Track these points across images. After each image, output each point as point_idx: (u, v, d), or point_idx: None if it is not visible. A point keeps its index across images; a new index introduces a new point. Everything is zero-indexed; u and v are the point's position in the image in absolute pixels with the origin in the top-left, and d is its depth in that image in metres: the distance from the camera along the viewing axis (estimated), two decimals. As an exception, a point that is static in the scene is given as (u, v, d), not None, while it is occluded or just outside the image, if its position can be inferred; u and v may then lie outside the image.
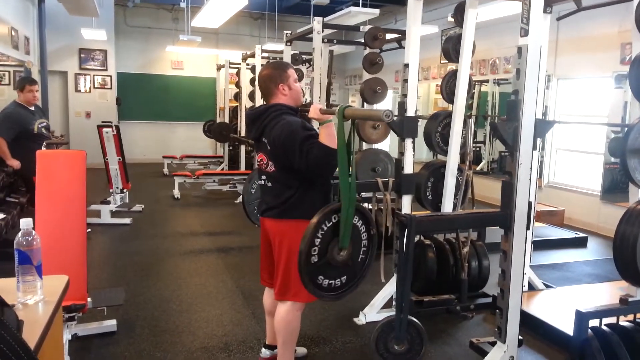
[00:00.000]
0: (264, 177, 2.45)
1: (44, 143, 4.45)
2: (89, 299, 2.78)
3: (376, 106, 5.06)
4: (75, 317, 2.67)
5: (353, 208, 2.17)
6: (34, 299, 1.42)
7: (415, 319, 2.59)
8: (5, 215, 4.14)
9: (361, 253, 2.30)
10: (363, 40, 5.12)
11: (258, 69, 6.70)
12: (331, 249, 2.19)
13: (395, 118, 2.37)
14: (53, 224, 2.56)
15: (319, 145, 2.20)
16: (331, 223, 2.18)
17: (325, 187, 2.43)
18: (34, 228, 1.43)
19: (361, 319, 3.33)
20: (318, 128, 2.29)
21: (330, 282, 2.23)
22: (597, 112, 6.49)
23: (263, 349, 2.75)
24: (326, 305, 3.53)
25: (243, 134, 8.10)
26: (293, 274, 2.34)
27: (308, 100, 6.43)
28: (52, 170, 2.63)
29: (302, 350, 2.84)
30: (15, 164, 4.51)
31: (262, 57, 7.67)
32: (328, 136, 2.21)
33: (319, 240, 2.15)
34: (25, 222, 1.42)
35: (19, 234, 1.40)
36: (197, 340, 3.02)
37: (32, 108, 4.72)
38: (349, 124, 2.29)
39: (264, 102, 2.53)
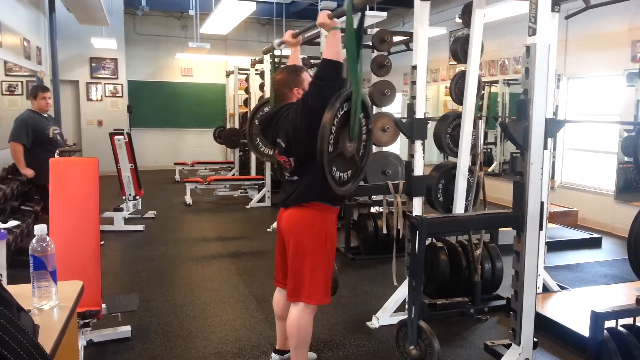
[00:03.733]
0: (287, 174, 2.47)
1: (57, 151, 4.50)
2: (103, 305, 2.80)
3: (385, 109, 5.06)
4: (90, 324, 2.69)
5: (360, 95, 2.17)
6: (49, 304, 1.43)
7: (428, 328, 2.56)
8: (19, 223, 4.19)
9: (361, 148, 2.30)
10: (371, 43, 5.13)
11: (267, 75, 6.72)
12: (342, 139, 2.18)
13: (399, 117, 2.37)
14: (67, 230, 2.59)
15: (319, 68, 2.23)
16: (342, 112, 2.16)
17: None
18: (48, 234, 1.45)
19: (374, 323, 3.32)
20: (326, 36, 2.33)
21: (340, 174, 2.23)
22: (609, 111, 6.43)
23: (273, 354, 2.75)
24: (338, 309, 3.53)
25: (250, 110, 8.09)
26: (306, 275, 2.34)
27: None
28: (65, 177, 2.66)
29: (312, 356, 2.82)
30: (28, 172, 4.56)
31: (270, 63, 7.70)
32: (334, 43, 2.22)
33: (334, 127, 2.13)
34: (39, 228, 1.43)
35: (34, 240, 1.41)
36: (211, 346, 3.03)
37: (46, 115, 4.78)
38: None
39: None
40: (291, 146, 2.35)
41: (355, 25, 2.20)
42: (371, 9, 7.84)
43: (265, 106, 3.94)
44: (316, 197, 2.33)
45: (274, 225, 5.94)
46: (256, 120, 3.92)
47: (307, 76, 2.47)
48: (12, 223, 2.36)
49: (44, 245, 1.42)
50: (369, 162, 2.35)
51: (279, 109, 2.43)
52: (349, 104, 2.16)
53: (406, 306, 3.26)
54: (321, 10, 2.38)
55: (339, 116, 2.13)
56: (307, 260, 2.35)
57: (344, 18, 2.28)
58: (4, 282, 1.80)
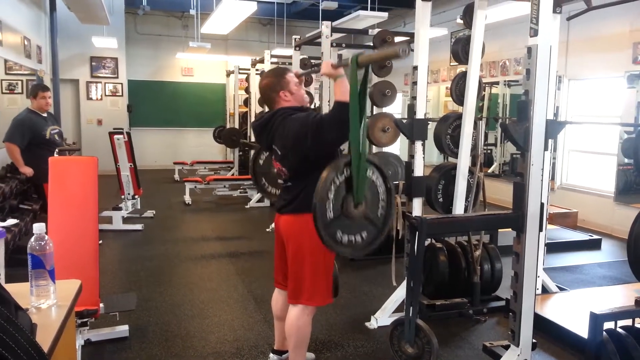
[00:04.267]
0: (281, 181, 2.47)
1: (56, 150, 4.49)
2: (101, 305, 2.80)
3: (385, 109, 5.06)
4: (88, 323, 2.69)
5: (365, 161, 2.13)
6: (47, 303, 1.43)
7: (426, 327, 2.55)
8: (18, 222, 4.18)
9: (380, 208, 2.25)
10: (372, 44, 5.12)
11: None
12: (347, 203, 2.14)
13: (400, 118, 2.34)
14: (65, 229, 2.59)
15: (330, 110, 2.20)
16: (344, 177, 2.13)
17: None
18: (46, 233, 1.44)
19: (373, 324, 3.31)
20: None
21: (350, 237, 2.19)
22: (610, 112, 6.43)
23: (271, 354, 2.74)
24: (337, 310, 3.52)
25: (253, 139, 8.12)
26: (307, 277, 2.34)
27: (317, 105, 6.43)
28: (64, 176, 2.66)
29: (310, 356, 2.81)
30: (28, 171, 4.56)
31: (271, 63, 7.70)
32: (342, 92, 2.17)
33: (332, 194, 2.11)
34: (38, 227, 1.43)
35: (32, 239, 1.41)
36: (209, 345, 3.02)
37: (45, 115, 4.77)
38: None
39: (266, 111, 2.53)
40: (287, 157, 2.34)
41: (359, 82, 2.13)
42: (372, 9, 7.86)
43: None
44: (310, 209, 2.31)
45: (273, 225, 5.94)
46: (260, 160, 3.91)
47: (292, 77, 2.44)
48: (11, 221, 2.36)
49: (43, 243, 1.41)
50: (390, 222, 2.30)
51: (273, 115, 2.40)
52: (350, 168, 2.13)
53: (405, 306, 3.27)
54: (323, 60, 2.34)
55: (339, 182, 2.13)
56: (306, 263, 2.34)
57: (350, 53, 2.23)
58: (2, 281, 1.80)
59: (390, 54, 2.14)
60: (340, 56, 7.22)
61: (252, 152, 8.61)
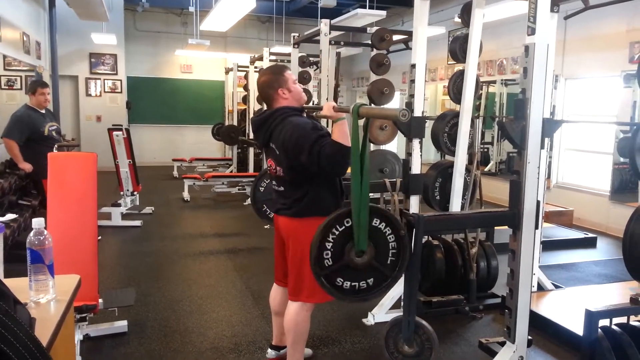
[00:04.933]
0: (274, 182, 2.47)
1: (55, 146, 4.50)
2: (100, 300, 2.81)
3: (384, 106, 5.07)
4: (87, 318, 2.70)
5: (366, 210, 2.15)
6: (46, 297, 1.44)
7: (426, 325, 2.58)
8: (17, 217, 4.19)
9: (390, 255, 2.28)
10: (370, 42, 5.13)
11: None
12: (348, 251, 2.19)
13: (410, 116, 2.34)
14: (64, 225, 2.60)
15: (331, 144, 2.18)
16: (344, 227, 2.17)
17: (335, 185, 2.41)
18: (45, 228, 1.45)
19: (370, 320, 3.33)
20: (331, 129, 2.29)
21: (354, 284, 2.23)
22: (606, 111, 6.45)
23: (269, 350, 2.77)
24: (334, 306, 3.54)
25: (251, 136, 8.14)
26: (306, 275, 2.35)
27: (316, 102, 6.45)
28: (63, 172, 2.67)
29: (307, 352, 2.83)
30: (27, 167, 4.57)
31: (270, 60, 7.70)
32: (341, 134, 2.19)
33: (330, 244, 2.16)
34: (37, 222, 1.44)
35: (31, 233, 1.42)
36: (207, 341, 3.04)
37: (43, 111, 4.77)
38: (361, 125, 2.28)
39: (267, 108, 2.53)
40: (285, 159, 2.34)
41: (361, 134, 2.15)
42: (371, 7, 7.86)
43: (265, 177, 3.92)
44: (313, 213, 2.34)
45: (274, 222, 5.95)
46: (261, 188, 3.90)
47: (291, 74, 2.45)
48: (10, 217, 2.37)
49: (42, 238, 1.42)
50: (403, 268, 2.33)
51: (272, 113, 2.40)
52: (351, 218, 2.16)
53: (402, 303, 3.28)
54: (326, 102, 2.37)
55: (339, 231, 2.16)
56: (306, 261, 2.35)
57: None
58: (1, 276, 1.81)
59: (391, 115, 2.17)
60: (339, 54, 7.23)
61: (247, 110, 8.57)
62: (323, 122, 2.69)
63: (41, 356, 0.99)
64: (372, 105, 5.00)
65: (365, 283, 2.25)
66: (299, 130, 2.26)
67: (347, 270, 2.21)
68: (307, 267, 2.34)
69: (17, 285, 1.46)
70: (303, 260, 2.34)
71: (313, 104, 6.97)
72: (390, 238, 2.27)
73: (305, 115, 2.49)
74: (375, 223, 2.22)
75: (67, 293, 1.51)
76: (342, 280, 2.21)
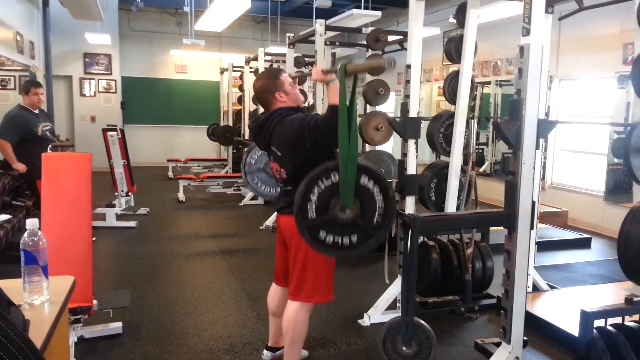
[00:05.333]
0: (280, 183, 2.47)
1: (50, 146, 4.47)
2: (94, 302, 2.80)
3: (378, 108, 5.07)
4: (81, 320, 2.68)
5: (354, 166, 2.15)
6: (40, 299, 1.43)
7: (424, 323, 2.58)
8: (11, 217, 4.16)
9: (376, 215, 2.25)
10: (365, 43, 5.14)
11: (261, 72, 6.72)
12: (333, 206, 2.18)
13: (393, 116, 2.36)
14: (59, 225, 2.58)
15: (327, 110, 2.21)
16: (331, 181, 2.17)
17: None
18: (39, 229, 1.44)
19: (365, 321, 3.33)
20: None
21: (337, 239, 2.22)
22: (600, 113, 6.48)
23: (265, 351, 2.76)
24: (331, 307, 3.53)
25: (247, 137, 8.13)
26: (309, 276, 2.36)
27: (310, 103, 6.44)
28: (57, 172, 2.65)
29: (303, 353, 2.81)
30: (20, 167, 4.54)
31: (265, 60, 7.69)
32: (334, 96, 2.20)
33: (315, 196, 2.15)
34: (31, 223, 1.43)
35: (25, 234, 1.41)
36: (202, 342, 3.03)
37: (37, 111, 4.75)
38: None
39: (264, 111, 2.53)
40: (286, 158, 2.35)
41: (349, 90, 2.18)
42: (366, 8, 7.87)
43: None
44: None
45: (267, 222, 5.96)
46: (252, 160, 3.89)
47: (287, 77, 2.45)
48: (3, 217, 2.35)
49: (36, 239, 1.41)
50: (389, 229, 2.31)
51: (269, 116, 2.40)
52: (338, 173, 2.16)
53: (398, 304, 3.29)
54: (314, 66, 2.39)
55: (325, 186, 2.16)
56: (309, 262, 2.35)
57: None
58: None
59: (376, 65, 2.24)
60: (334, 54, 7.24)
61: (242, 110, 8.61)
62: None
63: (35, 358, 0.99)
64: (367, 105, 5.01)
65: (349, 240, 2.24)
66: (296, 121, 2.30)
67: (331, 224, 2.19)
68: (309, 269, 2.35)
69: (10, 287, 1.45)
70: (306, 261, 2.34)
71: (308, 104, 6.96)
72: (378, 197, 2.25)
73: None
74: (363, 181, 2.20)
75: (61, 294, 1.50)
76: (325, 233, 2.20)
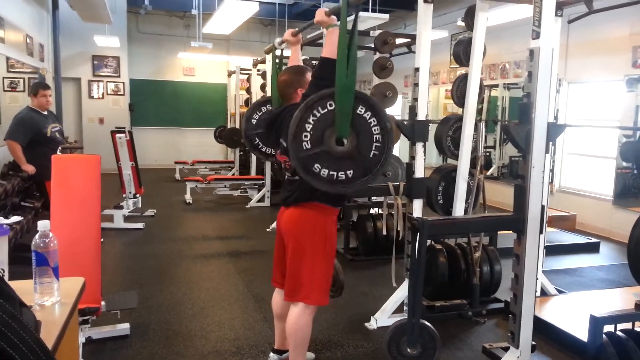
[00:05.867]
0: (288, 174, 2.47)
1: (59, 148, 4.50)
2: (102, 303, 2.81)
3: (386, 111, 5.07)
4: (89, 320, 2.70)
5: (351, 95, 2.07)
6: (51, 300, 1.43)
7: (428, 324, 2.58)
8: (21, 219, 4.19)
9: (373, 148, 2.14)
10: (373, 45, 5.14)
11: (268, 75, 6.73)
12: (328, 137, 2.08)
13: (401, 119, 2.35)
14: (68, 227, 2.59)
15: (315, 70, 2.19)
16: (326, 110, 2.08)
17: None
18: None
19: (372, 324, 3.32)
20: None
21: (332, 173, 2.12)
22: (609, 116, 6.44)
23: (271, 354, 2.75)
24: (337, 310, 3.53)
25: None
26: (304, 275, 2.35)
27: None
28: (67, 174, 2.67)
29: (310, 356, 2.82)
30: (30, 169, 4.57)
31: (272, 62, 7.70)
32: (333, 43, 2.15)
33: (310, 125, 2.06)
34: (42, 224, 1.44)
35: (36, 236, 1.42)
36: (209, 344, 3.03)
37: (45, 113, 4.78)
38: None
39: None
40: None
41: (350, 23, 2.14)
42: (373, 11, 7.87)
43: (264, 105, 3.91)
44: (317, 198, 2.33)
45: (274, 225, 5.95)
46: (253, 120, 3.87)
47: (310, 77, 2.47)
48: (15, 219, 2.36)
49: (47, 241, 1.42)
50: (385, 164, 2.18)
51: (282, 110, 2.44)
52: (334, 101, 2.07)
53: (405, 307, 3.28)
54: (318, 10, 2.35)
55: (320, 114, 2.07)
56: (305, 261, 2.35)
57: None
58: (6, 278, 1.80)
59: None
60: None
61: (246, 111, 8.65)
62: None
63: (47, 359, 0.99)
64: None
65: (344, 174, 2.13)
66: (298, 104, 2.26)
67: (326, 156, 2.10)
68: (305, 267, 2.34)
69: (21, 288, 1.45)
70: (302, 258, 2.34)
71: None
72: (375, 130, 2.13)
73: None
74: (360, 111, 2.11)
75: (71, 296, 1.51)
76: (319, 167, 2.10)
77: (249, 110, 3.85)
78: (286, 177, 2.50)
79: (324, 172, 2.11)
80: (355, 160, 2.13)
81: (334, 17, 2.28)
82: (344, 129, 2.07)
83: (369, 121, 2.13)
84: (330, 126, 2.08)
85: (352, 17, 2.25)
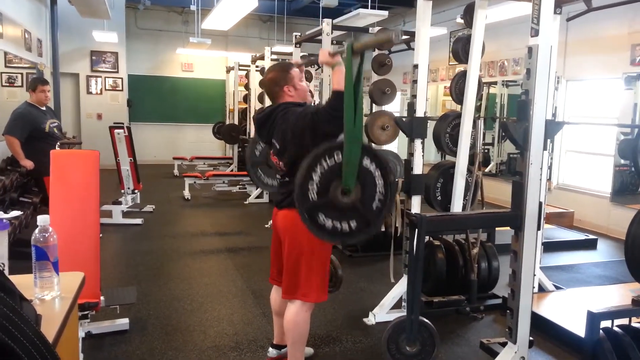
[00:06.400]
0: (279, 175, 2.48)
1: (58, 143, 4.49)
2: (101, 298, 2.81)
3: (385, 107, 5.07)
4: (89, 315, 2.70)
5: (358, 147, 2.11)
6: (51, 294, 1.44)
7: (427, 321, 2.59)
8: (21, 214, 4.19)
9: (376, 201, 2.19)
10: (372, 42, 5.12)
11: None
12: (334, 188, 2.12)
13: (399, 116, 2.36)
14: (67, 222, 2.59)
15: (332, 96, 2.18)
16: (334, 162, 2.11)
17: None
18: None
19: (371, 319, 3.34)
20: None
21: (335, 224, 2.15)
22: (607, 113, 6.46)
23: (270, 349, 2.76)
24: (336, 306, 3.54)
25: (252, 135, 8.14)
26: (302, 273, 2.35)
27: (317, 102, 6.45)
28: (66, 169, 2.67)
29: (308, 350, 2.83)
30: (28, 164, 4.56)
31: (271, 59, 7.70)
32: (339, 81, 2.17)
33: (318, 176, 2.09)
34: (42, 219, 1.44)
35: (36, 231, 1.42)
36: (208, 339, 3.04)
37: (44, 108, 4.77)
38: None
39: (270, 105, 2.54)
40: (285, 150, 2.36)
41: (355, 70, 2.14)
42: (372, 7, 7.86)
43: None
44: None
45: (272, 221, 5.96)
46: (256, 151, 3.91)
47: (297, 72, 2.46)
48: (14, 213, 2.36)
49: (47, 235, 1.42)
50: (384, 216, 2.25)
51: (274, 109, 2.42)
52: (342, 152, 2.12)
53: (403, 303, 3.29)
54: (321, 48, 2.37)
55: (328, 166, 2.11)
56: (302, 259, 2.35)
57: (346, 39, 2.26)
58: (6, 272, 1.81)
59: (383, 39, 2.16)
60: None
61: (247, 109, 8.63)
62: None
63: (48, 353, 0.99)
64: (374, 104, 5.01)
65: (348, 225, 2.17)
66: (296, 113, 2.30)
67: (331, 207, 2.13)
68: (303, 266, 2.34)
69: (21, 282, 1.45)
70: (299, 258, 2.34)
71: (314, 103, 6.97)
72: (379, 182, 2.19)
73: None
74: (365, 163, 2.15)
75: (71, 290, 1.51)
76: (324, 217, 2.13)
77: (251, 143, 3.88)
78: (277, 178, 2.51)
79: (328, 223, 2.16)
80: (359, 212, 2.18)
81: (338, 56, 2.27)
82: (351, 180, 2.12)
83: (374, 174, 2.18)
84: (337, 177, 2.12)
85: (357, 60, 2.24)
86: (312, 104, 2.64)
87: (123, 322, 3.10)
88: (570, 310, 3.41)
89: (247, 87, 9.16)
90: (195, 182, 7.76)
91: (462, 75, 3.53)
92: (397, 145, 7.62)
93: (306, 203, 2.12)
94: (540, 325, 3.13)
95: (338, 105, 2.16)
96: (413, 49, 3.23)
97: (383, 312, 3.33)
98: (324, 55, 2.33)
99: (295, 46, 5.77)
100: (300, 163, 2.26)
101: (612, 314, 2.48)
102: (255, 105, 8.51)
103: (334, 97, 2.20)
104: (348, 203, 2.15)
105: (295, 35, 5.81)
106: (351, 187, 2.13)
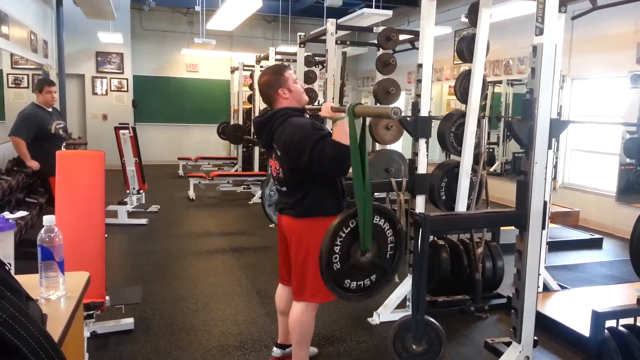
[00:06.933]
0: (277, 182, 2.48)
1: (64, 144, 4.52)
2: (107, 297, 2.83)
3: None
4: (94, 315, 2.71)
5: (370, 209, 2.17)
6: (57, 294, 1.45)
7: (434, 320, 2.59)
8: (27, 214, 4.22)
9: (389, 249, 2.31)
10: (376, 42, 5.13)
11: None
12: (354, 252, 2.20)
13: (403, 115, 2.36)
14: (73, 223, 2.61)
15: (332, 143, 2.18)
16: (349, 228, 2.18)
17: (336, 186, 2.40)
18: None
19: (375, 319, 3.34)
20: (331, 129, 2.30)
21: (359, 283, 2.26)
22: (613, 112, 6.43)
23: (275, 348, 2.77)
24: (340, 305, 3.54)
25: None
26: (310, 275, 2.35)
27: (322, 102, 6.45)
28: (71, 170, 2.68)
29: (313, 350, 2.83)
30: (34, 165, 4.59)
31: (276, 60, 7.72)
32: (342, 134, 2.19)
33: (338, 247, 2.17)
34: (47, 219, 1.45)
35: (42, 231, 1.43)
36: (213, 339, 3.05)
37: (50, 109, 4.80)
38: (359, 126, 2.27)
39: (269, 108, 2.52)
40: (286, 159, 2.34)
41: (358, 132, 2.16)
42: (377, 7, 7.86)
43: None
44: (316, 213, 2.35)
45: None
46: (272, 192, 3.92)
47: (291, 74, 2.45)
48: (21, 213, 2.38)
49: (52, 235, 1.43)
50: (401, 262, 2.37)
51: (274, 114, 2.39)
52: (356, 218, 2.17)
53: (407, 303, 3.29)
54: (324, 103, 2.37)
55: (344, 235, 2.17)
56: (310, 260, 2.35)
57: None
58: (12, 272, 1.82)
59: (383, 113, 2.22)
60: (344, 53, 7.23)
61: (252, 109, 8.60)
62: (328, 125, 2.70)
63: (53, 352, 1.00)
64: (378, 105, 5.01)
65: (369, 280, 2.28)
66: (301, 131, 2.26)
67: (354, 270, 2.22)
68: (310, 267, 2.34)
69: (27, 282, 1.46)
70: (306, 259, 2.35)
71: (318, 103, 6.96)
72: (388, 233, 2.29)
73: (307, 115, 2.50)
74: (375, 220, 2.23)
75: (77, 290, 1.52)
76: (349, 281, 2.23)
77: (264, 183, 3.88)
78: (274, 183, 2.51)
79: (353, 284, 2.25)
80: (377, 265, 2.27)
81: (340, 113, 2.27)
82: (368, 241, 2.19)
83: (383, 227, 2.27)
84: (355, 242, 2.20)
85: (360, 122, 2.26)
86: (317, 117, 2.63)
87: (128, 322, 3.12)
88: (575, 309, 3.40)
89: (251, 87, 9.17)
90: (200, 182, 7.78)
91: (467, 75, 3.52)
92: (401, 145, 7.62)
93: (332, 274, 2.19)
94: (545, 324, 3.12)
95: (340, 157, 2.17)
96: (417, 49, 3.22)
97: (387, 312, 3.33)
98: (326, 110, 2.34)
99: (300, 46, 5.78)
100: (298, 176, 2.29)
101: (617, 314, 2.48)
102: (259, 105, 8.52)
103: (335, 146, 2.17)
104: (368, 261, 2.24)
105: (300, 35, 5.82)
106: (369, 247, 2.21)
